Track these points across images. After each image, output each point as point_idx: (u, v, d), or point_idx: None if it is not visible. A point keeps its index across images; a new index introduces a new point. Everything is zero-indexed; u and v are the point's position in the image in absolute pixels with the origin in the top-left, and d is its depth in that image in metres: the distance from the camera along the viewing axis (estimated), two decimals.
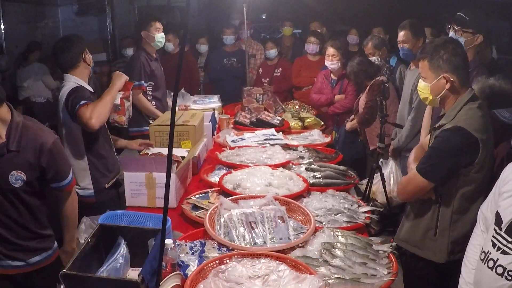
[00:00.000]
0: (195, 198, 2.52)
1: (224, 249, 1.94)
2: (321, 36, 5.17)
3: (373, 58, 4.17)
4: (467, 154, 1.98)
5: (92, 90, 2.81)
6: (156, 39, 3.87)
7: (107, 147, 2.86)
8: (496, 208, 1.54)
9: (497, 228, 1.50)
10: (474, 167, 2.00)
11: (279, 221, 2.07)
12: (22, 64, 5.98)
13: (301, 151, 3.25)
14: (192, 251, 1.93)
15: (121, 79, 2.79)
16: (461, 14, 2.84)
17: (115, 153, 2.99)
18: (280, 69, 5.35)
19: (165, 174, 1.22)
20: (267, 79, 5.35)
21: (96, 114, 2.54)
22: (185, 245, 1.96)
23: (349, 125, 4.21)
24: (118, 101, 2.78)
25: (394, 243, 2.11)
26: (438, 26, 4.32)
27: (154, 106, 3.97)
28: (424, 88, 2.13)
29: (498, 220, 1.50)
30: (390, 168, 3.68)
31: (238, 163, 2.97)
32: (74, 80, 2.70)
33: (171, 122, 1.20)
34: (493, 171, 2.11)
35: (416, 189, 2.09)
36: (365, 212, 2.39)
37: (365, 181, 3.67)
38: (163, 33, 3.90)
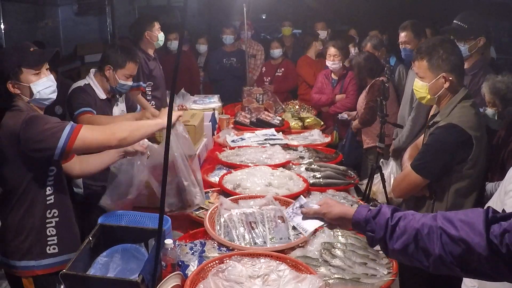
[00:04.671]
0: None
1: (224, 249, 1.94)
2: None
3: None
4: (461, 151, 2.01)
5: (102, 97, 2.84)
6: (159, 38, 3.90)
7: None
8: (502, 206, 1.55)
9: None
10: (468, 164, 2.02)
11: (279, 221, 2.07)
12: None
13: (301, 151, 3.25)
14: (192, 251, 1.93)
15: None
16: (458, 22, 2.79)
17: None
18: (283, 69, 5.35)
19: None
20: (269, 78, 5.36)
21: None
22: (185, 245, 1.96)
23: (354, 124, 4.18)
24: None
25: None
26: (437, 27, 4.32)
27: (154, 106, 3.96)
28: (421, 88, 2.14)
29: None
30: (390, 168, 3.67)
31: (238, 163, 2.97)
32: (88, 80, 2.83)
33: (168, 123, 1.19)
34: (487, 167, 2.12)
35: (411, 186, 2.12)
36: None
37: (365, 181, 3.67)
38: (162, 33, 3.93)
